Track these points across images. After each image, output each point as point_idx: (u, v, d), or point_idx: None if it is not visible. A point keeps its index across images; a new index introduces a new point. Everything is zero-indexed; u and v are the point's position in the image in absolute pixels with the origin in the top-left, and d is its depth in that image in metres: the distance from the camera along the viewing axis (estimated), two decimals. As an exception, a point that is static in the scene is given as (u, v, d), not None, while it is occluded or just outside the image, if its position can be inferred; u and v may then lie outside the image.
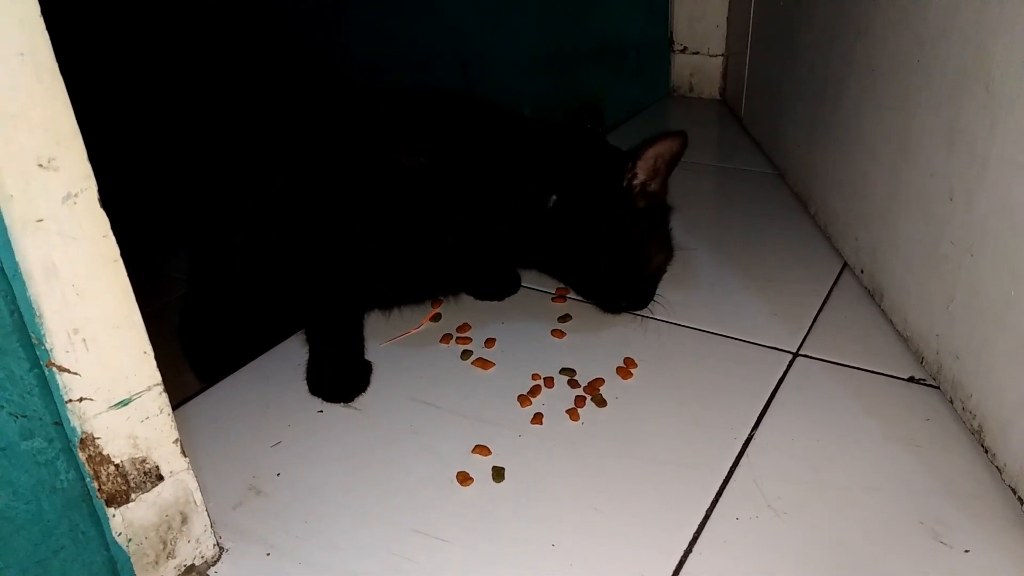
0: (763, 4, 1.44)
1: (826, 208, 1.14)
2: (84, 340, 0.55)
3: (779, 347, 0.91)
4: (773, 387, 0.84)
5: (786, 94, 1.30)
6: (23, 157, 0.49)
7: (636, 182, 0.88)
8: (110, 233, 0.56)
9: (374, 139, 0.88)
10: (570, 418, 0.81)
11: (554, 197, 0.88)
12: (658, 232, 0.92)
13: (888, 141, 0.91)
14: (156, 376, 0.61)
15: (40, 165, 0.51)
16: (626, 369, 0.88)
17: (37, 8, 0.49)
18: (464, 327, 0.98)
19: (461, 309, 1.02)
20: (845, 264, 1.06)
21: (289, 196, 0.87)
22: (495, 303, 1.03)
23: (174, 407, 0.63)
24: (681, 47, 1.78)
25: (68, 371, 0.55)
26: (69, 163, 0.52)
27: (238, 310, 1.02)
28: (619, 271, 0.91)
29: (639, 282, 0.92)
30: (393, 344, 0.96)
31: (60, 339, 0.54)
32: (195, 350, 1.10)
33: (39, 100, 0.49)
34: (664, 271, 0.95)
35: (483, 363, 0.90)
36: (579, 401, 0.83)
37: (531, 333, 0.97)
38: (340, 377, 0.87)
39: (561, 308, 1.01)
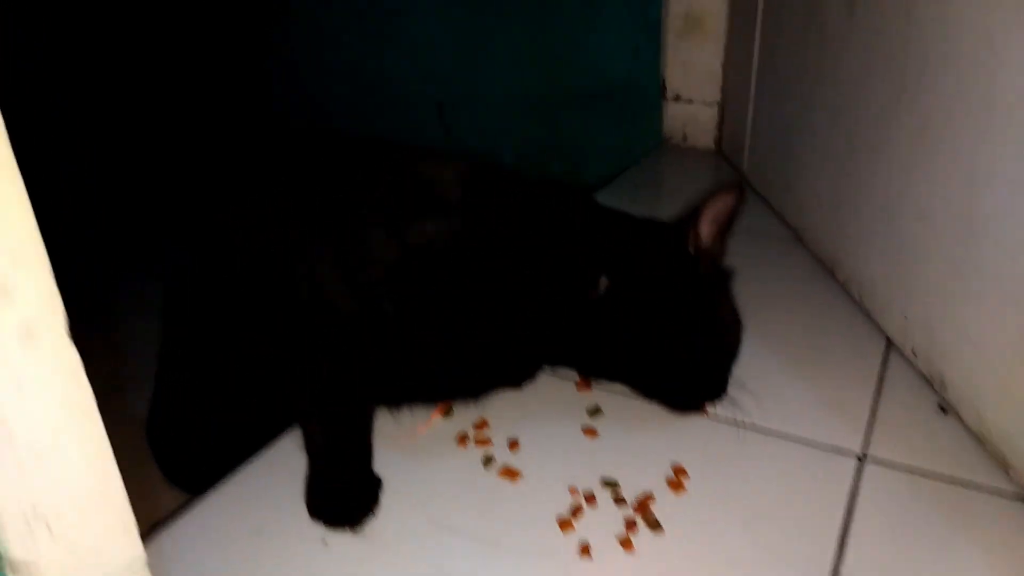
0: (768, 48, 1.37)
1: (861, 278, 1.05)
2: (47, 523, 0.41)
3: (841, 448, 0.81)
4: (847, 501, 0.74)
5: (802, 146, 1.22)
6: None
7: (702, 247, 0.80)
8: (82, 374, 0.43)
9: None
10: (623, 548, 0.69)
11: (604, 280, 0.78)
12: (726, 300, 0.83)
13: (949, 209, 0.83)
14: (138, 548, 0.47)
15: (-12, 298, 0.38)
16: (677, 481, 0.77)
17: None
18: (481, 424, 0.86)
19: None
20: (889, 341, 0.98)
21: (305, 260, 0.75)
22: (513, 391, 0.92)
23: (143, 534, 0.49)
24: (674, 95, 1.71)
25: (26, 567, 0.41)
26: (29, 290, 0.39)
27: (222, 398, 0.88)
28: (694, 356, 0.81)
29: (715, 366, 0.83)
30: (404, 443, 0.83)
31: (15, 527, 0.40)
32: (168, 450, 0.95)
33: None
34: (739, 347, 0.86)
35: (509, 473, 0.78)
36: (630, 525, 0.72)
37: (559, 431, 0.85)
38: (345, 497, 0.74)
39: (587, 398, 0.90)
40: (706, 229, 0.80)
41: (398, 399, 0.82)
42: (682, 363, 0.81)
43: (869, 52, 0.98)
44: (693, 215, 0.80)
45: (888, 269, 0.97)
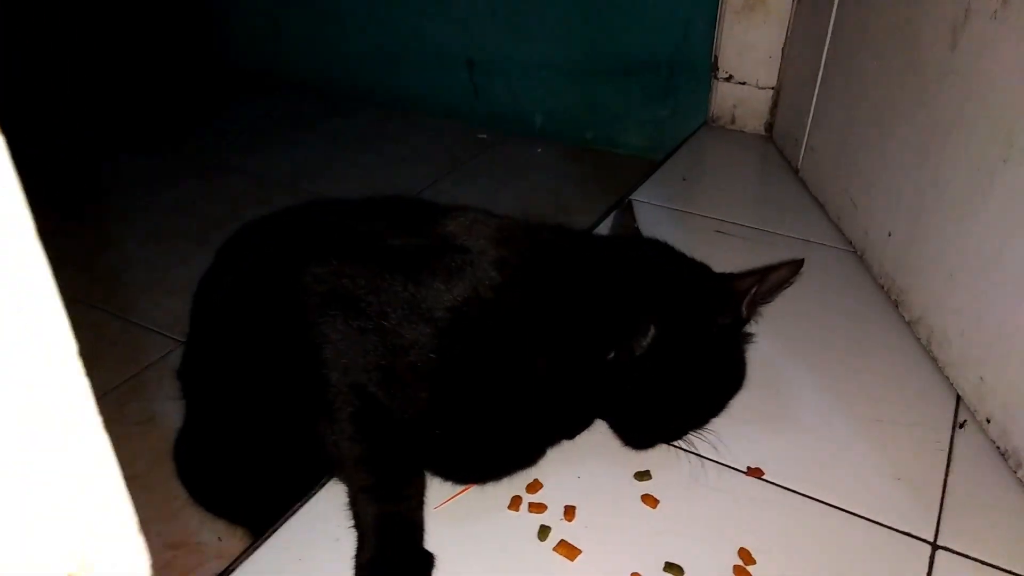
0: (844, 37, 1.27)
1: (933, 323, 0.99)
2: None
3: (914, 534, 0.77)
4: (923, 601, 0.71)
5: (876, 164, 1.14)
6: None
7: (752, 311, 0.78)
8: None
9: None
10: (693, 655, 0.66)
11: (653, 330, 0.73)
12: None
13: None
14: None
15: None
16: (744, 568, 0.73)
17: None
18: (534, 485, 0.81)
19: (524, 451, 0.85)
20: (959, 399, 0.93)
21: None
22: (564, 442, 0.87)
23: None
24: (726, 75, 1.60)
25: None
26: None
27: (255, 440, 0.84)
28: (717, 410, 0.81)
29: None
30: (447, 507, 0.79)
31: None
32: (194, 474, 0.91)
33: None
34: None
35: (568, 549, 0.74)
36: (698, 625, 0.68)
37: (615, 496, 0.81)
38: (396, 577, 0.70)
39: (644, 453, 0.85)
40: (761, 295, 0.78)
41: (451, 473, 0.78)
42: (701, 415, 0.81)
43: (969, 92, 0.89)
44: (757, 279, 0.77)
45: (968, 324, 0.91)
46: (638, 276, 0.75)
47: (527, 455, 0.77)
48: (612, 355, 0.72)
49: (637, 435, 0.80)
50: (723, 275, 0.80)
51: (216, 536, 0.97)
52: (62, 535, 0.33)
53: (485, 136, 2.06)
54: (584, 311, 0.72)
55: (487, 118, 2.07)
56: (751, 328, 0.82)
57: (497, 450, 0.74)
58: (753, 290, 0.76)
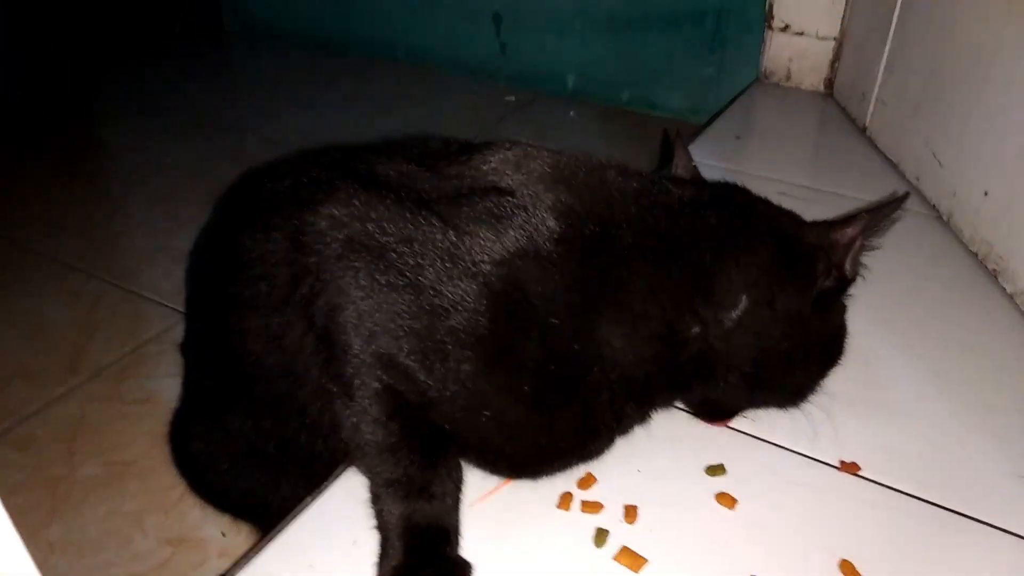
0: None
1: (1043, 294, 0.86)
2: None
3: (1049, 544, 0.64)
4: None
5: (966, 111, 1.00)
6: None
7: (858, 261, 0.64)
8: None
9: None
10: None
11: (744, 300, 0.60)
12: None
13: None
14: None
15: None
16: (847, 586, 0.60)
17: None
18: (587, 480, 0.69)
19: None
20: (1080, 383, 0.79)
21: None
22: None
23: None
24: (782, 24, 1.45)
25: None
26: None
27: (254, 429, 0.72)
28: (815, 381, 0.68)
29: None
30: (486, 504, 0.67)
31: None
32: (190, 463, 0.80)
33: None
34: None
35: (631, 558, 0.62)
36: (797, 656, 0.56)
37: (685, 494, 0.68)
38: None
39: (713, 441, 0.73)
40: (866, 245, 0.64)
41: (496, 464, 0.65)
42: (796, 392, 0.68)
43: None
44: (861, 227, 0.62)
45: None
46: (723, 231, 0.61)
47: (592, 445, 0.64)
48: (696, 329, 0.59)
49: (716, 408, 0.69)
50: (818, 224, 0.66)
51: (220, 531, 0.86)
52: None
53: (513, 98, 1.92)
54: (662, 274, 0.59)
55: (515, 77, 1.93)
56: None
57: (555, 437, 0.61)
58: (857, 242, 0.63)
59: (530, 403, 0.57)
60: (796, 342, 0.62)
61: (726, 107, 1.44)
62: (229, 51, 2.33)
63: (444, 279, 0.54)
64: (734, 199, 0.65)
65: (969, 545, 0.64)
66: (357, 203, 0.57)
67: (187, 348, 0.80)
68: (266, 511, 0.74)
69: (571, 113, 1.84)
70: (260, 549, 0.64)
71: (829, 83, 1.45)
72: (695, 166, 0.72)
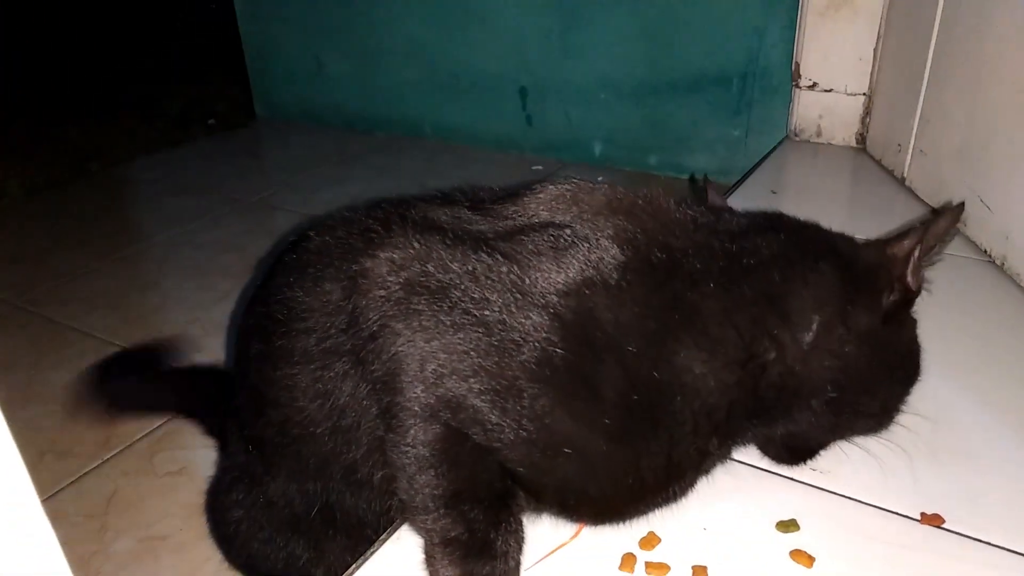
0: (958, 23, 1.11)
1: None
2: None
3: None
4: None
5: (1013, 154, 0.98)
6: None
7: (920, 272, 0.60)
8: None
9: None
10: None
11: (817, 319, 0.56)
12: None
13: None
14: None
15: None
16: (947, 649, 0.55)
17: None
18: (650, 540, 0.64)
19: (631, 496, 0.68)
20: None
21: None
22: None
23: None
24: (810, 82, 1.46)
25: None
26: None
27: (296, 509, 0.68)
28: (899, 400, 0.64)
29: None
30: (543, 568, 0.63)
31: None
32: (227, 537, 0.76)
33: None
34: None
35: (705, 624, 0.57)
36: None
37: (756, 552, 0.63)
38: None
39: (781, 495, 0.68)
40: (926, 257, 0.60)
41: (568, 507, 0.61)
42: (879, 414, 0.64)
43: None
44: (918, 238, 0.58)
45: None
46: (787, 252, 0.58)
47: (676, 484, 0.60)
48: (772, 354, 0.56)
49: (795, 448, 0.65)
50: (872, 242, 0.63)
51: (256, 607, 0.81)
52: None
53: (540, 167, 1.93)
54: (734, 297, 0.56)
55: (542, 147, 1.95)
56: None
57: (640, 474, 0.56)
58: (916, 252, 0.59)
59: (613, 437, 0.54)
60: (873, 359, 0.59)
61: (758, 164, 1.43)
62: (260, 134, 2.39)
63: (513, 313, 0.52)
64: (785, 223, 0.63)
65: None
66: (415, 245, 0.55)
67: (230, 412, 0.77)
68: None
69: (599, 179, 1.84)
70: (305, 619, 0.59)
71: (861, 137, 1.45)
72: (729, 207, 0.70)
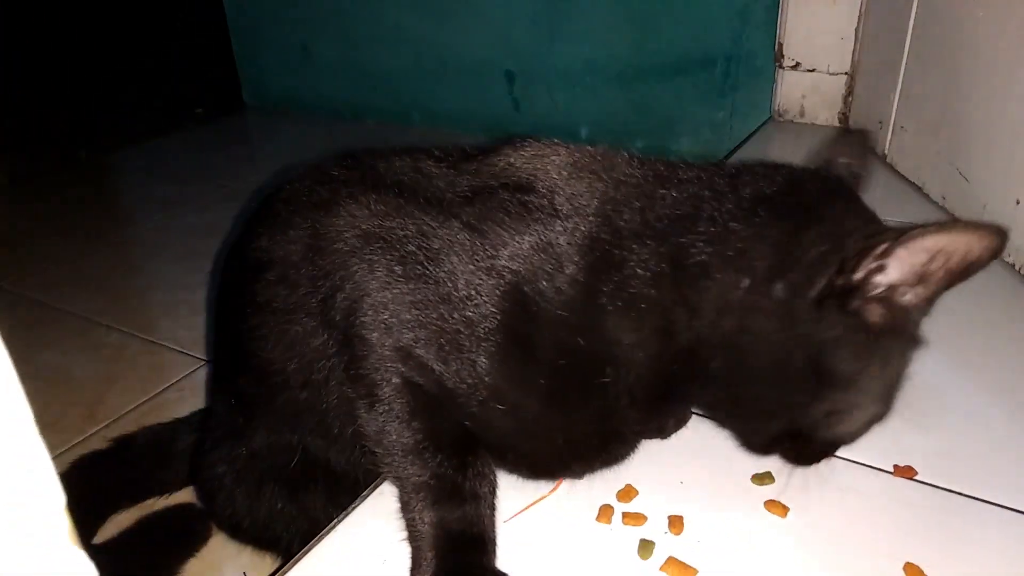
0: (932, 10, 1.13)
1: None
2: None
3: None
4: None
5: (990, 127, 0.99)
6: None
7: (878, 281, 0.50)
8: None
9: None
10: None
11: (747, 281, 0.53)
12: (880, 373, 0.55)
13: None
14: None
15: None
16: (916, 590, 0.56)
17: None
18: (627, 492, 0.65)
19: (609, 453, 0.70)
20: None
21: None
22: (655, 442, 0.71)
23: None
24: (792, 63, 1.47)
25: None
26: None
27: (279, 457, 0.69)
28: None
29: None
30: (523, 520, 0.63)
31: None
32: (211, 495, 0.77)
33: None
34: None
35: (680, 569, 0.58)
36: (868, 662, 0.51)
37: (732, 503, 0.64)
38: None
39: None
40: (906, 260, 0.50)
41: (518, 464, 0.62)
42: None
43: None
44: (895, 233, 0.48)
45: None
46: (724, 207, 0.53)
47: (615, 449, 0.61)
48: (687, 319, 0.53)
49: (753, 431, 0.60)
50: (880, 229, 0.52)
51: (242, 572, 0.82)
52: None
53: (527, 152, 1.94)
54: (659, 261, 0.53)
55: (529, 132, 1.93)
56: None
57: (573, 437, 0.58)
58: (877, 249, 0.49)
59: (545, 400, 0.55)
60: (778, 342, 0.52)
61: (742, 143, 1.44)
62: (247, 121, 2.39)
63: (458, 272, 0.53)
64: (768, 175, 0.56)
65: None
66: (373, 201, 0.56)
67: (214, 370, 0.78)
68: (291, 539, 0.70)
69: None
70: (287, 570, 0.60)
71: (844, 117, 1.46)
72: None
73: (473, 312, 0.53)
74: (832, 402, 0.54)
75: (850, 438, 0.57)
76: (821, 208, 0.54)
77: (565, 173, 0.58)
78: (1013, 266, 0.96)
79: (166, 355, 1.22)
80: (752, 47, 1.58)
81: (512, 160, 0.59)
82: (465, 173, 0.60)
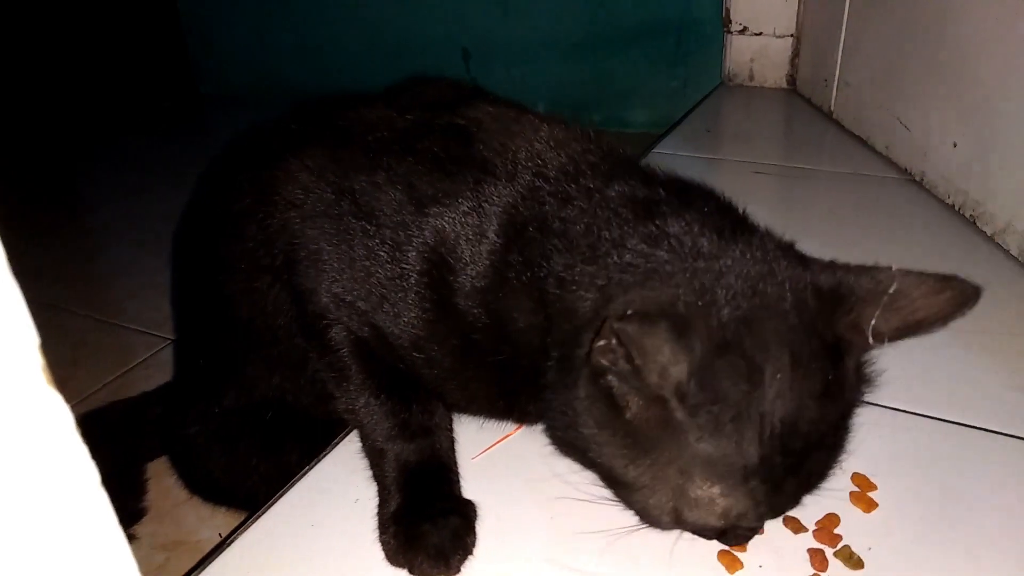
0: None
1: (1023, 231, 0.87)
2: None
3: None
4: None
5: (926, 77, 1.03)
6: None
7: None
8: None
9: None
10: (817, 594, 0.52)
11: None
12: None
13: None
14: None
15: None
16: (862, 494, 0.59)
17: None
18: (589, 426, 0.68)
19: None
20: (1070, 306, 0.80)
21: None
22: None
23: None
24: (740, 27, 1.50)
25: None
26: None
27: (247, 410, 0.70)
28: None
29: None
30: (486, 456, 0.66)
31: None
32: (184, 461, 0.78)
33: None
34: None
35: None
36: (818, 561, 0.54)
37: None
38: (431, 535, 0.55)
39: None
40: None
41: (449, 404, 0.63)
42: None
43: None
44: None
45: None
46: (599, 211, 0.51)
47: (519, 416, 0.62)
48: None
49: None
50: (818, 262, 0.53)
51: (217, 532, 0.83)
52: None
53: (487, 129, 1.96)
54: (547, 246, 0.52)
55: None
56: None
57: (479, 396, 0.59)
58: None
59: (458, 358, 0.56)
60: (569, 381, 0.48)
61: (693, 108, 1.47)
62: (204, 111, 2.37)
63: (386, 228, 0.54)
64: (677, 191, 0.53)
65: (975, 450, 0.64)
66: (316, 156, 0.58)
67: (179, 335, 0.79)
68: (268, 495, 0.71)
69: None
70: (264, 511, 0.62)
71: (791, 79, 1.50)
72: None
73: (396, 268, 0.55)
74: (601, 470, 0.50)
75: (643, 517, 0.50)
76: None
77: (501, 128, 0.58)
78: (953, 207, 1.00)
79: (132, 336, 1.22)
80: (700, 15, 1.61)
81: (438, 94, 0.61)
82: (412, 122, 0.60)
